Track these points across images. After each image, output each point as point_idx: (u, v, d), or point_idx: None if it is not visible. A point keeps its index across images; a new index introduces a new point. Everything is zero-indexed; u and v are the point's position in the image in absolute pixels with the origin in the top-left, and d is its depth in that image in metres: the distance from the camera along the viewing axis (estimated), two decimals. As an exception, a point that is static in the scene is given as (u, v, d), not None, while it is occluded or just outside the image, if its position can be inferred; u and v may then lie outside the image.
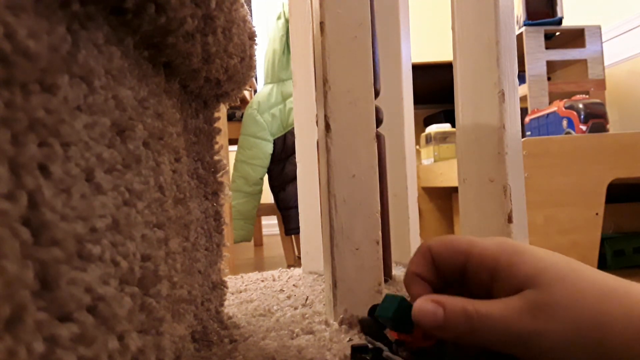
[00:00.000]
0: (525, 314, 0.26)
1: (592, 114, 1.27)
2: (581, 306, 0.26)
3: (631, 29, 2.02)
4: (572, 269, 0.27)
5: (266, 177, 1.64)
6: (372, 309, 0.43)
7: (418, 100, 0.92)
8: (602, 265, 1.11)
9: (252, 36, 0.45)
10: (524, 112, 1.79)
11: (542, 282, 0.27)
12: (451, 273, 0.32)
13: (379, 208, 0.46)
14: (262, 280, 0.73)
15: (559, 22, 1.94)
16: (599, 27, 1.96)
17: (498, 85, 0.53)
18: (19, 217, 0.15)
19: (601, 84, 1.94)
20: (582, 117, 1.28)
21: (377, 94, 0.60)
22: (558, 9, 1.94)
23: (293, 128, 1.02)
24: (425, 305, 0.29)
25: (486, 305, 0.28)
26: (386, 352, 0.32)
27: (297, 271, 0.80)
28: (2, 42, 0.15)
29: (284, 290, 0.64)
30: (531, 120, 1.56)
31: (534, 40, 1.91)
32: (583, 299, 0.26)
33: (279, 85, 1.61)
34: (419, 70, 1.19)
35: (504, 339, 0.27)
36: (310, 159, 0.77)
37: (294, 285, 0.67)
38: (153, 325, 0.25)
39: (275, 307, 0.53)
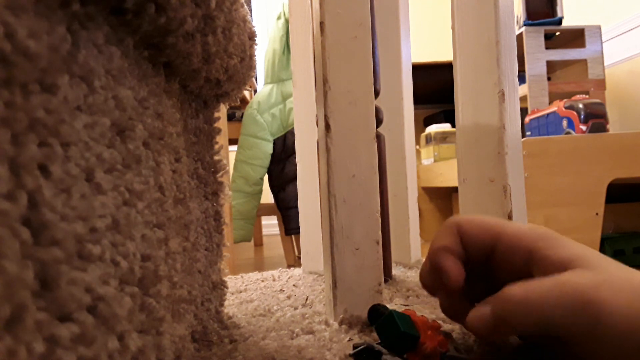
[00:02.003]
0: (584, 283, 0.24)
1: (592, 114, 1.27)
2: (632, 293, 0.23)
3: (631, 29, 2.02)
4: (609, 261, 0.26)
5: (266, 177, 1.65)
6: (372, 310, 0.43)
7: (418, 100, 0.92)
8: (602, 265, 1.10)
9: (252, 36, 0.45)
10: (524, 112, 1.79)
11: (590, 262, 0.25)
12: (478, 252, 0.30)
13: (379, 208, 0.46)
14: (262, 280, 0.73)
15: (559, 22, 1.94)
16: (599, 27, 1.96)
17: (498, 85, 0.53)
18: (19, 217, 0.15)
19: (601, 84, 1.94)
20: (582, 117, 1.28)
21: (377, 94, 0.60)
22: (558, 9, 1.94)
23: (293, 128, 1.02)
24: (473, 312, 0.28)
25: (535, 282, 0.25)
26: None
27: (297, 271, 0.80)
28: (2, 42, 0.15)
29: (284, 290, 0.64)
30: (531, 120, 1.56)
31: (534, 40, 1.91)
32: (635, 278, 0.24)
33: (279, 85, 1.61)
34: (419, 70, 1.19)
35: (566, 317, 0.23)
36: (310, 159, 0.77)
37: (294, 285, 0.67)
38: (153, 325, 0.25)
39: (275, 307, 0.53)
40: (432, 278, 0.34)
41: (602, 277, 0.24)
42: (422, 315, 0.35)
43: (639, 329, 0.22)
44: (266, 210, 1.80)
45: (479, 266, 0.31)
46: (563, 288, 0.24)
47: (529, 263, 0.28)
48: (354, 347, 0.35)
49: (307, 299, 0.56)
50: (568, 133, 1.30)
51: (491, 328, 0.27)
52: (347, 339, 0.40)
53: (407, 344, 0.31)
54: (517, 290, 0.26)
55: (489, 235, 0.30)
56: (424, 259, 0.85)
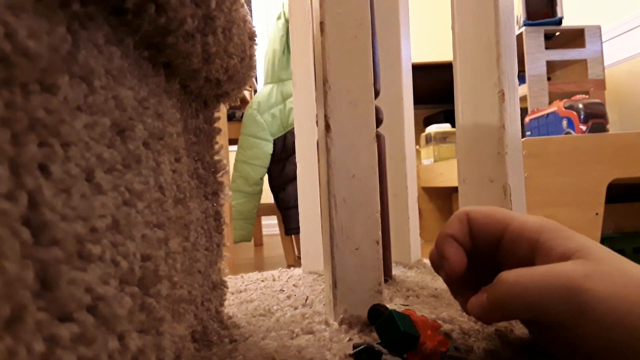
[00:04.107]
0: (577, 273, 0.24)
1: (592, 114, 1.27)
2: (637, 275, 0.24)
3: (631, 29, 2.02)
4: (612, 254, 0.27)
5: (266, 177, 1.65)
6: (372, 310, 0.43)
7: (418, 100, 0.92)
8: (602, 265, 1.11)
9: (252, 36, 0.45)
10: (524, 112, 1.79)
11: (592, 253, 0.25)
12: (486, 242, 0.31)
13: (379, 208, 0.46)
14: (262, 280, 0.73)
15: (559, 22, 1.94)
16: (599, 27, 1.96)
17: (498, 85, 0.53)
18: (19, 217, 0.15)
19: (601, 84, 1.94)
20: (582, 117, 1.28)
21: (377, 94, 0.60)
22: (558, 9, 1.94)
23: (293, 128, 1.02)
24: (472, 300, 0.29)
25: (529, 270, 0.26)
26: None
27: (297, 271, 0.80)
28: (2, 42, 0.15)
29: (284, 290, 0.64)
30: (531, 120, 1.56)
31: (534, 40, 1.91)
32: (636, 271, 0.24)
33: (279, 85, 1.61)
34: (419, 70, 1.19)
35: (554, 302, 0.24)
36: (310, 159, 0.77)
37: (294, 285, 0.67)
38: (153, 325, 0.25)
39: (275, 307, 0.53)
40: (439, 261, 0.35)
41: (595, 267, 0.25)
42: (422, 315, 0.35)
43: (626, 320, 0.23)
44: (266, 210, 1.80)
45: (487, 255, 0.32)
46: (554, 275, 0.25)
47: (533, 254, 0.28)
48: (354, 347, 0.35)
49: (307, 299, 0.56)
50: (568, 133, 1.30)
51: (487, 313, 0.28)
52: (347, 339, 0.40)
53: (407, 343, 0.31)
54: (509, 275, 0.27)
55: (497, 225, 0.31)
56: (424, 259, 0.85)
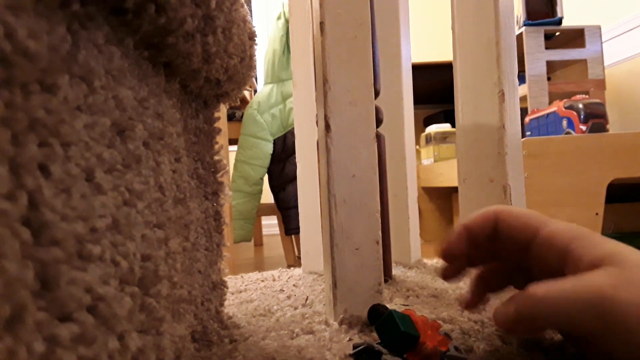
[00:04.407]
0: (605, 284, 0.24)
1: (592, 114, 1.27)
2: None
3: (631, 29, 2.02)
4: None
5: (266, 177, 1.64)
6: (372, 310, 0.43)
7: (418, 100, 0.92)
8: (602, 265, 1.11)
9: (252, 36, 0.45)
10: (524, 112, 1.79)
11: (620, 261, 0.25)
12: (514, 245, 0.31)
13: (379, 208, 0.46)
14: (262, 280, 0.73)
15: (559, 22, 1.94)
16: (599, 27, 1.96)
17: (498, 85, 0.53)
18: (19, 217, 0.15)
19: (601, 84, 1.94)
20: (582, 117, 1.28)
21: (377, 94, 0.60)
22: (558, 9, 1.94)
23: (293, 128, 1.02)
24: (497, 308, 0.28)
25: (558, 283, 0.26)
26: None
27: (297, 271, 0.80)
28: (2, 42, 0.15)
29: (284, 290, 0.64)
30: (531, 120, 1.56)
31: (534, 40, 1.91)
32: None
33: (279, 85, 1.61)
34: (419, 70, 1.19)
35: (583, 314, 0.24)
36: (310, 159, 0.77)
37: (294, 285, 0.67)
38: (153, 325, 0.25)
39: (275, 307, 0.53)
40: (461, 245, 0.35)
41: (624, 275, 0.24)
42: (422, 315, 0.35)
43: None
44: (266, 210, 1.80)
45: (513, 257, 0.32)
46: (582, 286, 0.25)
47: (563, 262, 0.28)
48: (354, 347, 0.35)
49: (307, 299, 0.56)
50: (568, 133, 1.30)
51: (514, 324, 0.27)
52: (347, 339, 0.40)
53: (407, 343, 0.31)
54: (539, 288, 0.26)
55: (527, 231, 0.30)
56: (424, 259, 0.85)
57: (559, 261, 0.28)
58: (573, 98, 1.37)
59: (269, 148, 1.59)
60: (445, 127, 2.06)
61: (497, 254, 0.33)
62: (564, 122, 1.34)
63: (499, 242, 0.32)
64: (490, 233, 0.32)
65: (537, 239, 0.30)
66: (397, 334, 0.31)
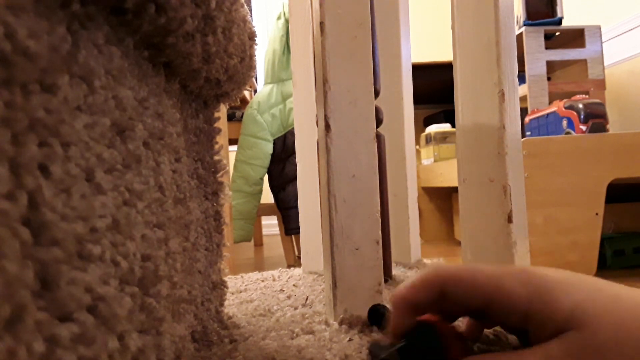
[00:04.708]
0: None
1: (592, 114, 1.27)
2: (629, 345, 0.24)
3: (631, 29, 2.02)
4: (609, 298, 0.26)
5: (266, 177, 1.64)
6: (372, 310, 0.43)
7: (418, 100, 0.92)
8: (602, 265, 1.11)
9: (252, 36, 0.45)
10: (524, 112, 1.79)
11: (583, 322, 0.25)
12: (467, 309, 0.30)
13: (379, 208, 0.46)
14: (262, 280, 0.73)
15: (559, 22, 1.94)
16: (599, 27, 1.96)
17: (498, 85, 0.53)
18: (19, 217, 0.15)
19: (601, 84, 1.94)
20: (582, 117, 1.28)
21: (377, 94, 0.60)
22: (558, 9, 1.94)
23: (293, 128, 1.02)
24: None
25: (522, 358, 0.26)
26: None
27: (297, 271, 0.80)
28: (2, 42, 0.15)
29: (284, 290, 0.64)
30: (531, 120, 1.56)
31: (534, 40, 1.91)
32: (628, 335, 0.24)
33: (279, 85, 1.61)
34: (419, 70, 1.19)
35: None
36: (310, 159, 0.77)
37: (294, 285, 0.67)
38: (153, 325, 0.25)
39: (275, 307, 0.53)
40: (416, 295, 0.33)
41: (587, 348, 0.25)
42: (447, 324, 0.33)
43: None
44: (266, 210, 1.80)
45: (464, 314, 0.32)
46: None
47: (525, 325, 0.28)
48: (373, 355, 0.34)
49: (307, 299, 0.56)
50: (568, 133, 1.30)
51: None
52: (347, 339, 0.40)
53: (436, 358, 0.30)
54: None
55: (480, 297, 0.29)
56: (424, 259, 0.85)
57: (520, 322, 0.28)
58: (573, 98, 1.37)
59: (269, 148, 1.59)
60: (445, 127, 2.06)
61: (446, 312, 0.31)
62: (564, 122, 1.34)
63: (448, 306, 0.30)
64: (436, 298, 0.30)
65: (495, 305, 0.28)
66: (435, 347, 0.29)
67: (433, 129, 2.06)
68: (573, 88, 1.91)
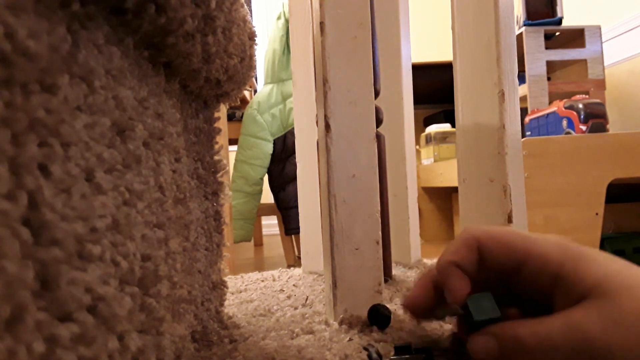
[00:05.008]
0: (593, 327, 0.24)
1: (592, 114, 1.27)
2: None
3: (631, 29, 2.02)
4: (638, 276, 0.25)
5: (266, 177, 1.64)
6: (372, 310, 0.43)
7: (418, 100, 0.92)
8: (602, 265, 1.10)
9: (252, 36, 0.45)
10: (524, 112, 1.79)
11: (610, 291, 0.24)
12: (500, 271, 0.29)
13: (379, 208, 0.46)
14: (262, 280, 0.73)
15: (559, 22, 1.94)
16: (599, 27, 1.96)
17: (498, 85, 0.53)
18: (19, 217, 0.15)
19: (601, 84, 1.94)
20: (582, 117, 1.28)
21: (377, 94, 0.60)
22: (558, 9, 1.94)
23: (293, 128, 1.02)
24: (477, 340, 0.27)
25: (545, 324, 0.25)
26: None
27: (297, 271, 0.80)
28: (2, 42, 0.15)
29: (284, 290, 0.64)
30: (531, 120, 1.56)
31: (534, 40, 1.91)
32: None
33: (279, 85, 1.61)
34: (419, 70, 1.19)
35: (570, 356, 0.24)
36: (310, 159, 0.77)
37: (294, 285, 0.67)
38: (153, 325, 0.25)
39: (275, 307, 0.53)
40: (426, 296, 0.32)
41: (614, 312, 0.24)
42: None
43: None
44: (266, 210, 1.80)
45: (502, 282, 0.30)
46: (572, 333, 0.24)
47: (554, 287, 0.27)
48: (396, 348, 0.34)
49: (307, 299, 0.56)
50: (568, 133, 1.30)
51: (493, 359, 0.27)
52: (347, 339, 0.40)
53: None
54: (526, 331, 0.26)
55: (514, 256, 0.28)
56: (424, 259, 0.85)
57: (550, 286, 0.27)
58: (573, 98, 1.37)
59: (269, 148, 1.59)
60: (445, 127, 2.06)
61: (478, 283, 0.31)
62: (564, 122, 1.34)
63: (483, 271, 0.30)
64: (477, 263, 0.30)
65: (526, 265, 0.28)
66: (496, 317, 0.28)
67: (433, 129, 2.06)
68: (573, 88, 1.91)
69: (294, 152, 0.77)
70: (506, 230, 0.30)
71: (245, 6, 0.42)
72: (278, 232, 1.82)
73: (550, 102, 1.76)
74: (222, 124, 1.43)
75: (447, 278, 0.30)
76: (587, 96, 1.46)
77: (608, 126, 1.28)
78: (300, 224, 0.79)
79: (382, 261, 0.46)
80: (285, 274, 0.78)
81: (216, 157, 0.46)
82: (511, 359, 0.26)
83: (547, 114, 1.45)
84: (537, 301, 0.28)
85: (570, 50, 1.96)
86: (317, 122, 0.53)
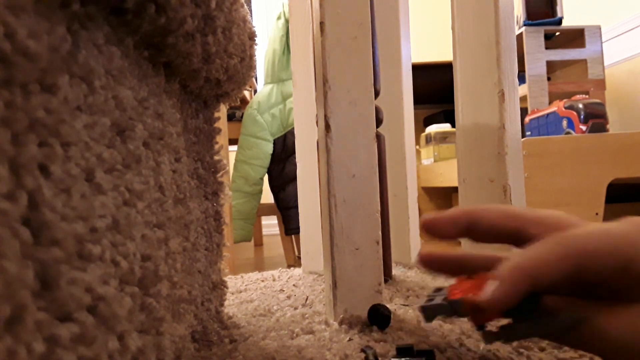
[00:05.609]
0: (636, 230, 0.23)
1: (592, 114, 1.27)
2: None
3: (631, 29, 2.02)
4: None
5: (266, 177, 1.64)
6: (372, 310, 0.43)
7: (418, 100, 0.92)
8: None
9: (252, 36, 0.45)
10: (524, 112, 1.79)
11: None
12: (597, 282, 0.25)
13: (379, 208, 0.46)
14: (262, 280, 0.73)
15: (559, 22, 1.94)
16: (599, 27, 1.96)
17: (498, 85, 0.53)
18: (19, 217, 0.15)
19: (601, 84, 1.94)
20: (582, 117, 1.28)
21: (377, 94, 0.60)
22: (558, 9, 1.94)
23: (293, 128, 1.02)
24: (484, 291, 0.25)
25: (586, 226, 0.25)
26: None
27: (297, 271, 0.80)
28: (2, 42, 0.15)
29: (284, 290, 0.64)
30: (531, 120, 1.56)
31: (534, 40, 1.91)
32: None
33: (279, 85, 1.61)
34: (419, 70, 1.19)
35: (607, 259, 0.23)
36: (310, 159, 0.77)
37: (294, 285, 0.67)
38: (153, 325, 0.25)
39: (275, 307, 0.53)
40: (455, 224, 0.31)
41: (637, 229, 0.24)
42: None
43: None
44: (266, 210, 1.80)
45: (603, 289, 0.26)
46: (608, 232, 0.24)
47: (624, 270, 0.24)
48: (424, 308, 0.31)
49: (307, 299, 0.56)
50: (568, 133, 1.30)
51: (517, 278, 0.24)
52: (347, 339, 0.40)
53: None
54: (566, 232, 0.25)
55: (618, 262, 0.24)
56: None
57: (617, 277, 0.24)
58: (573, 98, 1.37)
59: (269, 148, 1.59)
60: (445, 127, 2.06)
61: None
62: (564, 122, 1.34)
63: (578, 285, 0.26)
64: (565, 279, 0.25)
65: (632, 271, 0.24)
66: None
67: (433, 129, 2.06)
68: (573, 88, 1.91)
69: (294, 152, 0.77)
70: (601, 229, 0.25)
71: (245, 6, 0.42)
72: (278, 232, 1.82)
73: (550, 102, 1.76)
74: (222, 124, 1.43)
75: (507, 284, 0.25)
76: (587, 96, 1.46)
77: (608, 126, 1.28)
78: (300, 224, 0.80)
79: (382, 261, 0.46)
80: (285, 274, 0.78)
81: (216, 157, 0.46)
82: (514, 291, 0.24)
83: (547, 114, 1.45)
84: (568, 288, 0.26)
85: (570, 50, 1.96)
86: (317, 122, 0.53)
